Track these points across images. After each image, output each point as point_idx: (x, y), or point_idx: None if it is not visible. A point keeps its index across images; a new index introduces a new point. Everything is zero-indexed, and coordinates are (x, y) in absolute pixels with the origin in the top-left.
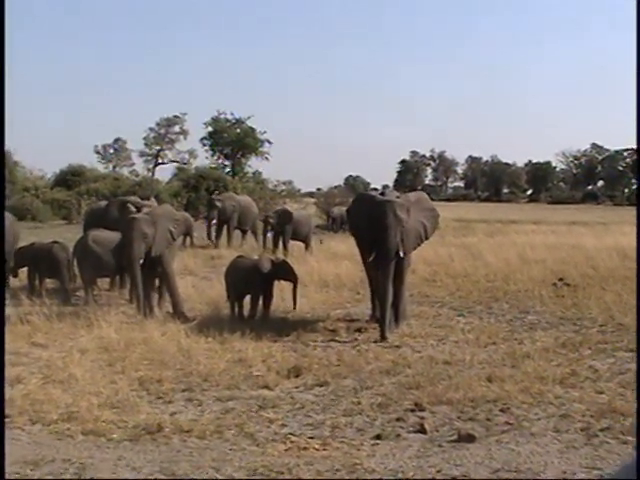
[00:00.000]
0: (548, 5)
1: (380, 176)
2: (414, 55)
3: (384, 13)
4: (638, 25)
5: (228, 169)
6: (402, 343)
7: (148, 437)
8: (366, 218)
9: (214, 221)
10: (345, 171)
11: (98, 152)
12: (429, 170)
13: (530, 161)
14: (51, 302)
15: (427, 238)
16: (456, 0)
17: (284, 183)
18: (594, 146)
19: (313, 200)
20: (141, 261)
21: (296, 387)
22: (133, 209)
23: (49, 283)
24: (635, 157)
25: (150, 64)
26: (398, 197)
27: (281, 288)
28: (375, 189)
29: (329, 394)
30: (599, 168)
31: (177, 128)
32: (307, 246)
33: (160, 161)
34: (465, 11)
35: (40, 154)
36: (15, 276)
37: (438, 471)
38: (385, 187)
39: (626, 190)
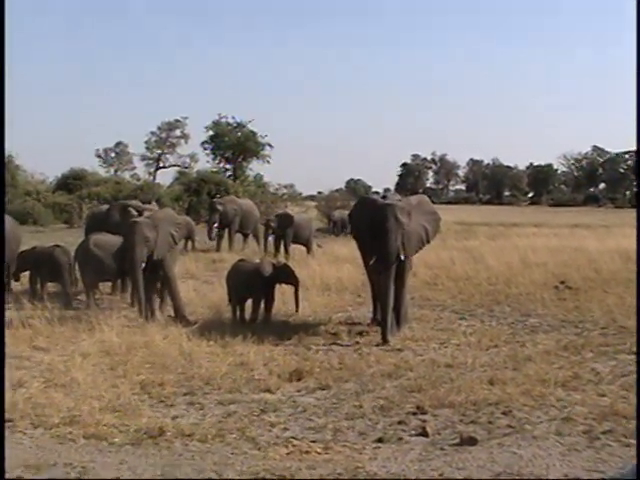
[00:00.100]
0: (549, 7)
1: (381, 179)
2: (415, 57)
3: (385, 14)
4: (638, 27)
5: (229, 173)
6: (404, 346)
7: (150, 441)
8: (367, 221)
9: (215, 225)
10: (346, 174)
11: (99, 156)
12: (430, 173)
13: (531, 164)
14: (53, 306)
15: (429, 242)
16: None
17: (285, 187)
18: (595, 148)
19: (314, 203)
20: (143, 265)
21: (298, 391)
22: (134, 213)
23: (51, 287)
24: (637, 159)
25: (151, 68)
26: (399, 200)
27: (282, 292)
28: (376, 192)
29: (331, 398)
30: (600, 171)
31: (178, 132)
32: (308, 250)
33: (161, 165)
34: (467, 15)
35: (42, 158)
36: (17, 280)
37: (440, 474)
38: (387, 190)
39: (627, 192)
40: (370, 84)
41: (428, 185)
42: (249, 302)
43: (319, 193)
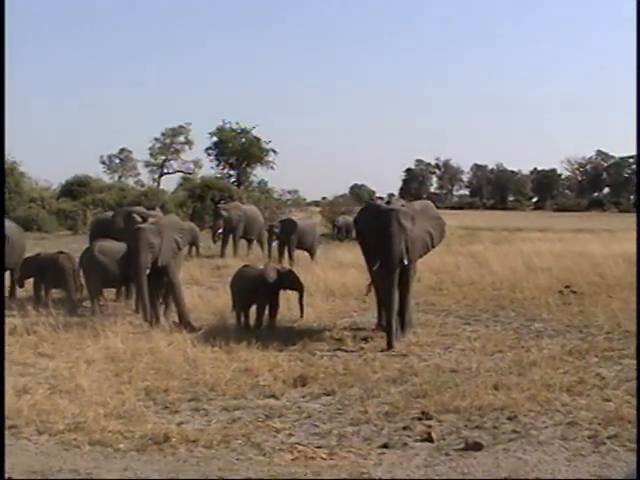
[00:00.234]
0: (551, 10)
1: (385, 185)
2: (417, 59)
3: (386, 15)
4: (638, 30)
5: (233, 179)
6: (408, 352)
7: (155, 447)
8: (371, 227)
9: (220, 230)
10: (350, 180)
11: (104, 162)
12: (434, 178)
13: (535, 169)
14: (57, 312)
15: (433, 247)
16: (458, 2)
17: (289, 192)
18: (599, 153)
19: (318, 209)
20: (147, 271)
21: (303, 396)
22: (139, 219)
23: (55, 293)
24: (637, 164)
25: (155, 74)
26: (403, 205)
27: (287, 297)
28: (380, 198)
29: (336, 403)
30: (605, 175)
31: (182, 138)
32: (312, 255)
33: (165, 171)
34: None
35: (46, 165)
36: (21, 286)
37: None
38: (391, 196)
39: (632, 197)
40: (373, 89)
41: (432, 190)
42: (253, 308)
43: (323, 199)
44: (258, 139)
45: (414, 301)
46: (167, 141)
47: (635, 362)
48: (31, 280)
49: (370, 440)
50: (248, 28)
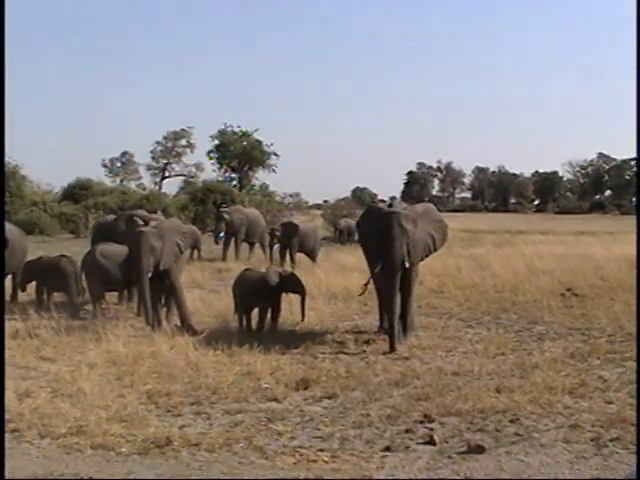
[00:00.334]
0: (553, 12)
1: (387, 188)
2: (417, 60)
3: (386, 16)
4: (638, 31)
5: (235, 182)
6: (411, 355)
7: (157, 451)
8: (373, 229)
9: (222, 234)
10: (352, 183)
11: (105, 166)
12: (436, 181)
13: (537, 171)
14: (59, 316)
15: (435, 250)
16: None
17: (291, 195)
18: (601, 155)
19: (320, 212)
20: (149, 274)
21: (305, 399)
22: (140, 223)
23: (57, 297)
24: (637, 167)
25: (157, 77)
26: (405, 208)
27: (289, 301)
28: (382, 201)
29: (338, 406)
30: (606, 177)
31: (184, 141)
32: (314, 258)
33: (167, 174)
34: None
35: (48, 168)
36: (23, 290)
37: None
38: (393, 198)
39: (633, 199)
40: (375, 93)
41: (434, 193)
42: (255, 311)
43: (325, 202)
44: (260, 142)
45: (416, 304)
46: (169, 144)
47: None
48: (33, 284)
49: (372, 443)
50: (249, 30)
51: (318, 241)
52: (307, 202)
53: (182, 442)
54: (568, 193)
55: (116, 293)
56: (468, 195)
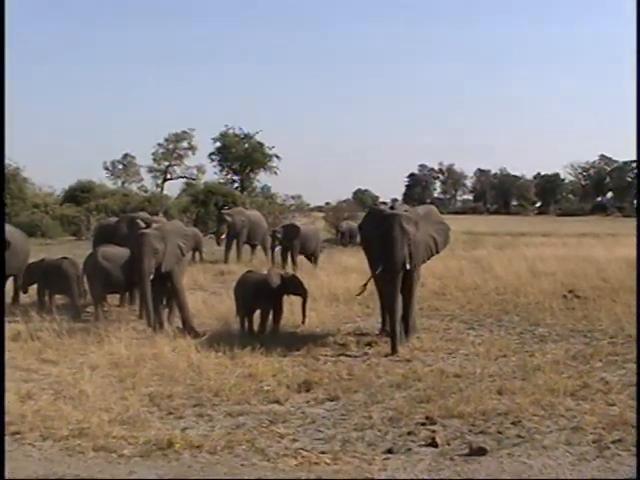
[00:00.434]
0: (555, 14)
1: (389, 190)
2: (421, 67)
3: (387, 16)
4: (638, 33)
5: (237, 184)
6: (412, 357)
7: (159, 453)
8: (374, 232)
9: (223, 236)
10: (354, 185)
11: (107, 168)
12: (438, 183)
13: (539, 173)
14: (61, 318)
15: (437, 252)
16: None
17: (293, 197)
18: (602, 157)
19: (322, 214)
20: (151, 276)
21: (307, 402)
22: (142, 225)
23: (59, 299)
24: (637, 169)
25: (158, 80)
26: (406, 211)
27: (291, 302)
28: (384, 203)
29: (340, 408)
30: (608, 179)
31: (185, 144)
32: (315, 260)
33: (169, 177)
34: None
35: (49, 171)
36: (25, 292)
37: None
38: (394, 201)
39: (635, 201)
40: (377, 94)
41: (435, 195)
42: (257, 313)
43: (327, 204)
44: (261, 144)
45: (418, 306)
46: (170, 147)
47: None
48: (35, 286)
49: (374, 445)
50: (249, 32)
51: (320, 243)
52: (309, 204)
53: (184, 444)
54: (570, 195)
55: (118, 295)
56: (470, 197)
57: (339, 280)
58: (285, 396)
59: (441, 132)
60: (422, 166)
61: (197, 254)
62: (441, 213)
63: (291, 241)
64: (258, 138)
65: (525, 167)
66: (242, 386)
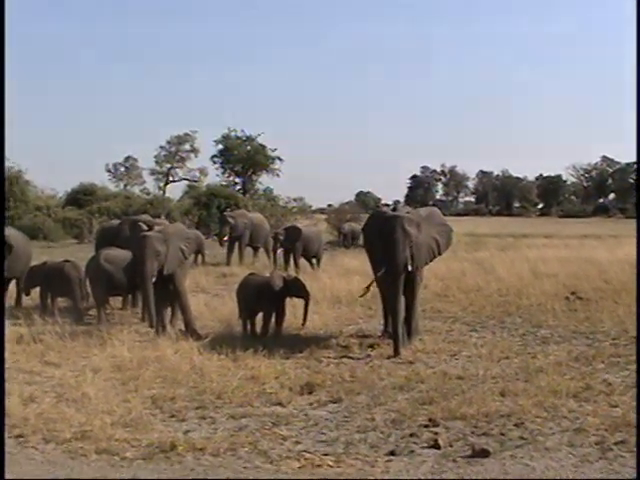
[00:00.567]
0: (555, 14)
1: (391, 192)
2: (422, 68)
3: (387, 17)
4: (638, 35)
5: (239, 186)
6: (415, 359)
7: (162, 455)
8: (377, 234)
9: (226, 238)
10: (356, 187)
11: (109, 171)
12: (440, 185)
13: (541, 175)
14: (64, 321)
15: (440, 253)
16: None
17: (295, 200)
18: (605, 159)
19: (324, 216)
20: (153, 279)
21: (309, 404)
22: (144, 227)
23: (61, 302)
24: (637, 170)
25: (160, 82)
26: (408, 212)
27: (293, 304)
28: (386, 205)
29: (342, 410)
30: (610, 181)
31: (188, 146)
32: (318, 262)
33: (171, 179)
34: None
35: (52, 173)
36: (27, 295)
37: None
38: (396, 202)
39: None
40: (378, 95)
41: (438, 197)
42: (260, 316)
43: (329, 206)
44: (263, 147)
45: (420, 308)
46: (173, 149)
47: None
48: (37, 289)
49: (377, 447)
50: (250, 34)
51: (322, 245)
52: (311, 206)
53: (187, 447)
54: (572, 197)
55: (120, 298)
56: (472, 199)
57: (341, 282)
58: (288, 398)
59: (442, 132)
60: (424, 168)
61: (199, 256)
62: (443, 215)
63: (293, 243)
64: (260, 140)
65: (527, 169)
66: (245, 388)
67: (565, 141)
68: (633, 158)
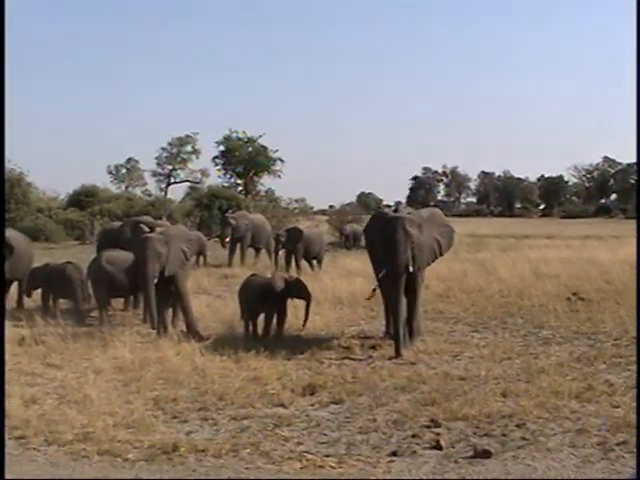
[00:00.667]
0: (555, 14)
1: (393, 193)
2: (423, 68)
3: (387, 17)
4: (638, 36)
5: (240, 188)
6: (417, 360)
7: (164, 457)
8: (378, 235)
9: (227, 239)
10: (357, 188)
11: (111, 172)
12: (441, 186)
13: (542, 175)
14: (65, 323)
15: (442, 254)
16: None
17: (297, 201)
18: (606, 159)
19: (326, 217)
20: (155, 280)
21: (311, 405)
22: (146, 229)
23: (63, 304)
24: (637, 170)
25: (161, 83)
26: (410, 213)
27: (295, 306)
28: (388, 206)
29: (344, 411)
30: (611, 181)
31: (189, 147)
32: (319, 264)
33: (172, 180)
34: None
35: (53, 175)
36: (29, 296)
37: None
38: (398, 203)
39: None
40: (380, 97)
41: (439, 198)
42: (262, 317)
43: (330, 207)
44: (265, 148)
45: (422, 308)
46: (174, 150)
47: None
48: (39, 290)
49: (379, 448)
50: (251, 35)
51: (323, 246)
52: (312, 207)
53: (189, 448)
54: (574, 197)
55: (122, 299)
56: (473, 200)
57: (343, 283)
58: (290, 399)
59: (443, 133)
60: (426, 169)
61: (201, 258)
62: (445, 216)
63: (294, 245)
64: (261, 142)
65: (529, 169)
66: (247, 390)
67: (566, 141)
68: (635, 158)
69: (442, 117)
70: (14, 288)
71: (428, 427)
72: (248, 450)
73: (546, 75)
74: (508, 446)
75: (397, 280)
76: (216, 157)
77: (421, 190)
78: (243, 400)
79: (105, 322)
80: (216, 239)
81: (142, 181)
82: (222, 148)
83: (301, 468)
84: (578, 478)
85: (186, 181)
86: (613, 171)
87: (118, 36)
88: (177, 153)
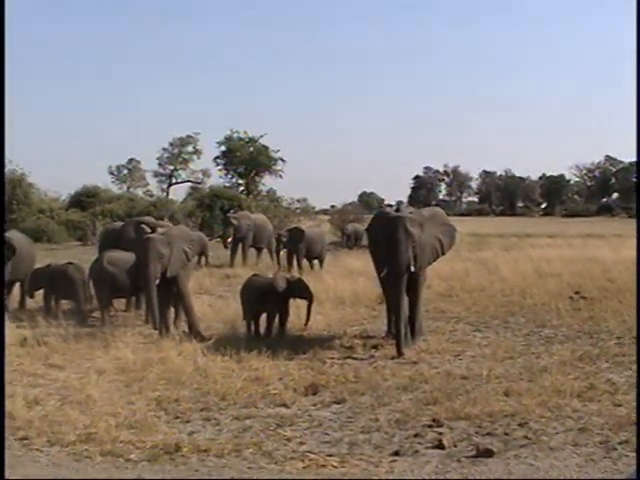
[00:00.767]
0: (555, 14)
1: (394, 192)
2: (423, 68)
3: (387, 18)
4: (638, 37)
5: (242, 188)
6: (419, 359)
7: (166, 457)
8: (380, 234)
9: (229, 239)
10: (359, 188)
11: (112, 173)
12: (443, 185)
13: (544, 174)
14: (67, 323)
15: (443, 253)
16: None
17: (298, 200)
18: (608, 158)
19: (327, 217)
20: (157, 281)
21: (313, 405)
22: (148, 230)
23: (65, 304)
24: (637, 170)
25: (162, 83)
26: (411, 213)
27: (297, 306)
28: (389, 205)
29: (346, 411)
30: (613, 180)
31: (190, 148)
32: (321, 263)
33: (174, 181)
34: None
35: (55, 176)
36: (31, 297)
37: None
38: (399, 203)
39: None
40: (381, 97)
41: (441, 197)
42: (264, 317)
43: (332, 207)
44: (266, 148)
45: (424, 308)
46: (175, 151)
47: None
48: (41, 291)
49: (381, 448)
50: (251, 35)
51: (325, 246)
52: (314, 207)
53: (191, 448)
54: (575, 196)
55: (124, 300)
56: (475, 199)
57: (345, 283)
58: (292, 399)
59: (443, 133)
60: (427, 168)
61: (203, 258)
62: (447, 215)
63: (296, 244)
64: (263, 141)
65: (530, 168)
66: (249, 389)
67: (568, 140)
68: (636, 157)
69: (442, 117)
70: (16, 289)
71: (430, 426)
72: (250, 450)
73: (546, 75)
74: (510, 445)
75: (399, 279)
76: (217, 157)
77: (423, 189)
78: (245, 400)
79: (107, 323)
80: (218, 239)
81: (144, 181)
82: (223, 148)
83: (303, 468)
84: (580, 477)
85: (188, 181)
86: (615, 170)
87: (118, 36)
88: (178, 153)
